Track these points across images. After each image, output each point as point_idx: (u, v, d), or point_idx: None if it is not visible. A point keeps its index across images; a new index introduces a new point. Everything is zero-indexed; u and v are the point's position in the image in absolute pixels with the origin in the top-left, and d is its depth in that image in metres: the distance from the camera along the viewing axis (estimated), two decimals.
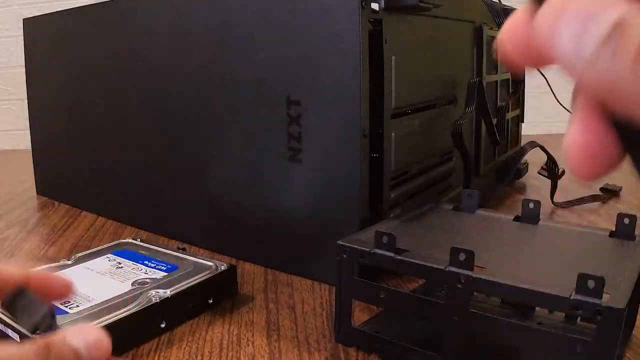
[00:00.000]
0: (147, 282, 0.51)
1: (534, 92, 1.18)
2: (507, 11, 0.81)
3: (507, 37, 0.17)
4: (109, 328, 0.43)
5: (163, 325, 0.48)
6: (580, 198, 0.85)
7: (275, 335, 0.48)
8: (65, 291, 0.28)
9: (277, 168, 0.59)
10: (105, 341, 0.24)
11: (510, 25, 0.17)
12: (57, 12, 0.87)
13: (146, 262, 0.56)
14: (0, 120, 1.67)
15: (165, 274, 0.53)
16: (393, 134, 0.58)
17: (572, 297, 0.34)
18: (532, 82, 0.98)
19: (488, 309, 0.48)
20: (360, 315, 0.49)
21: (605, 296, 0.33)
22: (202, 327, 0.49)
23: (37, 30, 0.92)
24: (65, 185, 0.93)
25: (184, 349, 0.46)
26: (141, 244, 0.62)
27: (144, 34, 0.72)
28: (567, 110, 1.35)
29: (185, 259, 0.57)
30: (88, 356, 0.23)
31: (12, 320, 0.44)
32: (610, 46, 0.13)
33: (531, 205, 0.51)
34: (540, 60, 0.16)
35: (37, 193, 1.00)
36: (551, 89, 1.27)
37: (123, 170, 0.80)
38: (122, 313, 0.45)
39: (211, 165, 0.66)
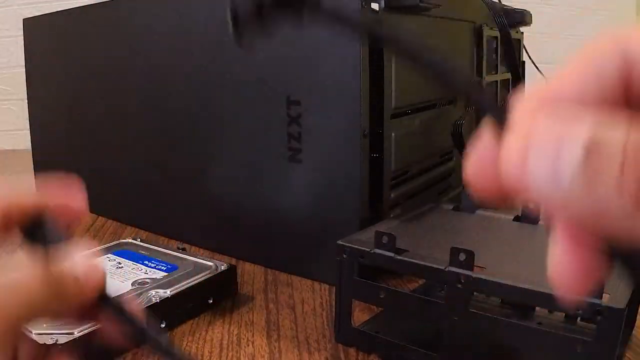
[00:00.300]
0: (147, 282, 0.51)
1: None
2: (507, 11, 0.81)
3: (475, 173, 0.15)
4: None
5: (163, 325, 0.48)
6: None
7: (275, 335, 0.48)
8: (80, 213, 0.27)
9: (277, 168, 0.59)
10: (100, 267, 0.24)
11: (476, 160, 0.15)
12: (57, 12, 0.87)
13: (146, 262, 0.56)
14: (0, 120, 1.67)
15: (165, 274, 0.53)
16: (393, 134, 0.57)
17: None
18: (532, 82, 0.98)
19: (488, 309, 0.48)
20: (360, 315, 0.49)
21: (605, 296, 0.33)
22: (202, 327, 0.49)
23: (37, 30, 0.92)
24: None
25: (184, 349, 0.46)
26: (141, 244, 0.62)
27: (144, 34, 0.72)
28: None
29: (185, 259, 0.56)
30: (86, 283, 0.24)
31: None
32: (588, 170, 0.12)
33: (531, 205, 0.51)
34: (518, 193, 0.14)
35: None
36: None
37: (123, 170, 0.80)
38: None
39: (211, 165, 0.66)
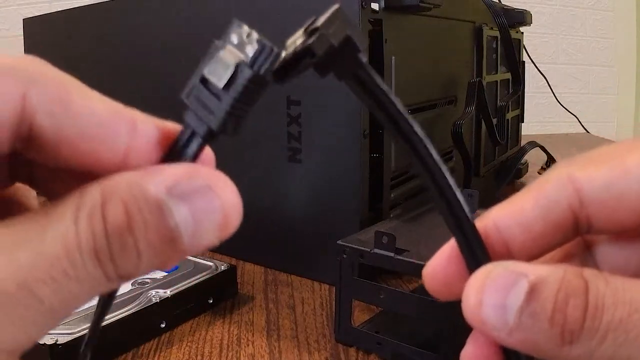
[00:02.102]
0: (147, 282, 0.51)
1: (534, 92, 1.18)
2: (507, 11, 0.81)
3: (433, 278, 0.19)
4: (109, 328, 0.43)
5: (163, 325, 0.48)
6: None
7: (275, 335, 0.48)
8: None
9: (277, 168, 0.59)
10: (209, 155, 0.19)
11: (438, 267, 0.19)
12: (57, 12, 0.87)
13: None
14: None
15: (165, 274, 0.53)
16: None
17: None
18: (532, 82, 0.98)
19: None
20: (360, 315, 0.49)
21: None
22: (202, 327, 0.49)
23: (37, 30, 0.92)
24: None
25: (184, 349, 0.46)
26: None
27: (144, 34, 0.72)
28: (567, 110, 1.35)
29: (186, 258, 0.56)
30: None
31: None
32: (528, 309, 0.15)
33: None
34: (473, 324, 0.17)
35: (37, 193, 1.00)
36: (551, 89, 1.27)
37: None
38: (122, 313, 0.45)
39: None
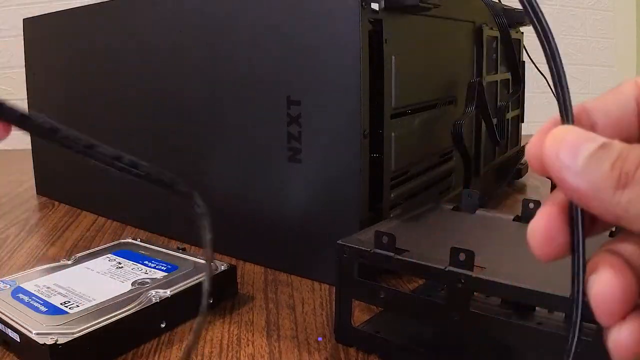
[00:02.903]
0: (147, 282, 0.51)
1: (534, 92, 1.18)
2: (507, 11, 0.81)
3: (530, 152, 0.21)
4: (109, 328, 0.43)
5: (163, 325, 0.48)
6: None
7: (275, 335, 0.48)
8: None
9: (277, 168, 0.59)
10: None
11: (533, 142, 0.21)
12: (57, 12, 0.87)
13: (146, 262, 0.56)
14: None
15: (165, 274, 0.53)
16: (393, 134, 0.58)
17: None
18: (532, 82, 0.98)
19: (488, 309, 0.48)
20: (360, 315, 0.49)
21: None
22: (202, 327, 0.49)
23: (37, 30, 0.92)
24: (65, 185, 0.93)
25: (184, 349, 0.46)
26: (141, 244, 0.62)
27: (144, 34, 0.72)
28: None
29: (185, 259, 0.57)
30: None
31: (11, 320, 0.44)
32: (596, 156, 0.18)
33: (531, 205, 0.51)
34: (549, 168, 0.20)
35: (37, 193, 1.00)
36: (551, 89, 1.27)
37: None
38: (122, 313, 0.45)
39: (211, 165, 0.66)
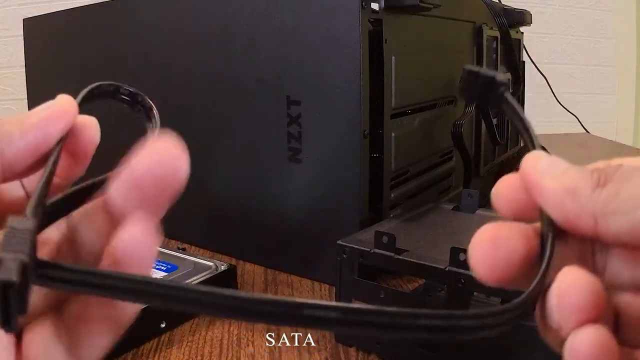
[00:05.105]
0: None
1: (534, 92, 1.18)
2: (507, 11, 0.81)
3: (500, 192, 0.21)
4: None
5: (163, 325, 0.48)
6: None
7: (275, 335, 0.48)
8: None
9: (277, 168, 0.59)
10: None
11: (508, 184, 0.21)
12: (57, 12, 0.87)
13: None
14: None
15: (165, 274, 0.53)
16: (393, 134, 0.58)
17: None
18: (532, 82, 0.98)
19: None
20: None
21: None
22: (202, 327, 0.49)
23: (37, 30, 0.92)
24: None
25: (184, 349, 0.46)
26: None
27: (144, 34, 0.72)
28: (567, 110, 1.35)
29: (185, 259, 0.56)
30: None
31: None
32: (573, 168, 0.19)
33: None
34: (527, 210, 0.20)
35: None
36: (551, 89, 1.27)
37: None
38: None
39: (211, 165, 0.66)
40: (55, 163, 0.19)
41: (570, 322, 0.17)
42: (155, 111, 0.24)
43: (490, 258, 0.19)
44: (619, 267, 0.19)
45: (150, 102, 0.24)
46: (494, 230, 0.19)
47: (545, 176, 0.19)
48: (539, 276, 0.18)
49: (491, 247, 0.19)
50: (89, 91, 0.23)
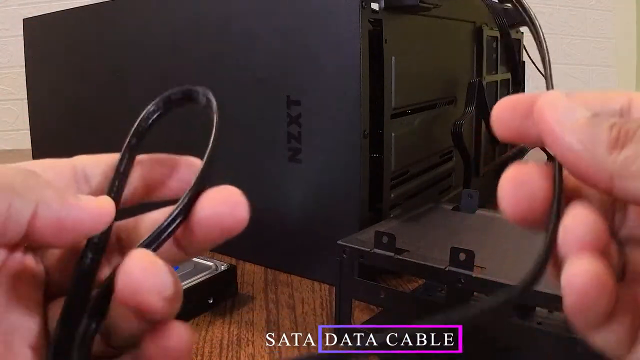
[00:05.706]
0: None
1: (534, 92, 1.18)
2: (507, 11, 0.81)
3: (498, 115, 0.20)
4: None
5: None
6: None
7: (275, 335, 0.48)
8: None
9: (277, 168, 0.59)
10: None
11: (503, 104, 0.20)
12: (57, 12, 0.87)
13: None
14: (0, 120, 1.67)
15: None
16: (393, 134, 0.58)
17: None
18: (532, 82, 0.98)
19: None
20: (360, 315, 0.49)
21: None
22: (202, 327, 0.49)
23: (37, 30, 0.92)
24: None
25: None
26: None
27: (144, 34, 0.72)
28: None
29: (185, 258, 0.56)
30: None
31: None
32: (592, 118, 0.18)
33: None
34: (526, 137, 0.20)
35: None
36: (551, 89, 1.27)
37: None
38: None
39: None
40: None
41: (570, 256, 0.18)
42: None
43: (513, 197, 0.19)
44: (636, 222, 0.19)
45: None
46: (517, 170, 0.19)
47: (561, 125, 0.18)
48: (549, 233, 0.18)
49: (513, 187, 0.19)
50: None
